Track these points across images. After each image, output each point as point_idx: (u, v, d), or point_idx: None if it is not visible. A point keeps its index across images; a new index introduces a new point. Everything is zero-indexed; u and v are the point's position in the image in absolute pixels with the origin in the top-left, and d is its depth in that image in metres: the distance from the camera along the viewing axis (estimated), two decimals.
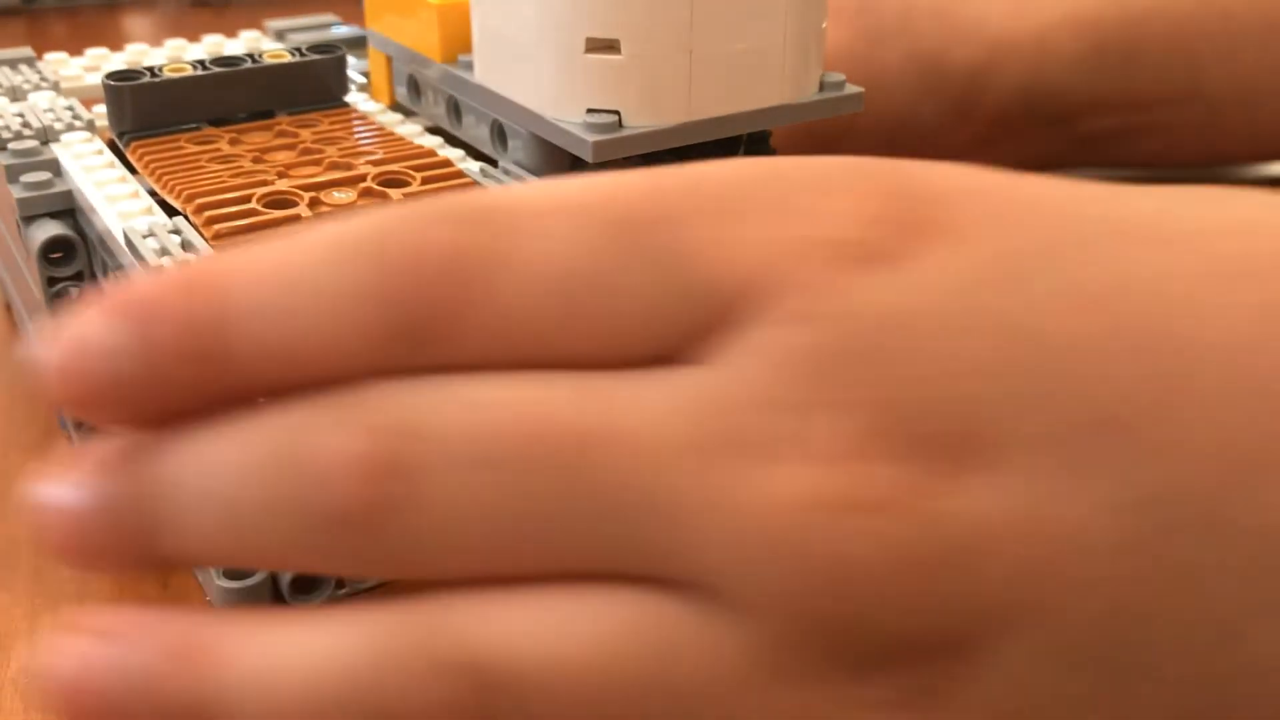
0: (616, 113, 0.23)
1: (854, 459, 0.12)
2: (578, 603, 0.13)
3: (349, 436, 0.13)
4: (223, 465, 0.14)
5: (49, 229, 0.27)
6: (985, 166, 0.15)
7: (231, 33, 0.39)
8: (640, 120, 0.24)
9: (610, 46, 0.23)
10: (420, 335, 0.14)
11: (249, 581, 0.23)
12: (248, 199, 0.24)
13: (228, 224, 0.23)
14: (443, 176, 0.25)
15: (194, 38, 0.38)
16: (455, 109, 0.28)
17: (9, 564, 0.26)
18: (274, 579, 0.24)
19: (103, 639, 0.14)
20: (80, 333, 0.14)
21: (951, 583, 0.12)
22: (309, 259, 0.14)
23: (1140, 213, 0.14)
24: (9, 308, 0.38)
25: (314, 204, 0.24)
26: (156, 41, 0.38)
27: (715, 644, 0.13)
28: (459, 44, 0.27)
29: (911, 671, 0.13)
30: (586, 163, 0.24)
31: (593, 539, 0.13)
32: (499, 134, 0.27)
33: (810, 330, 0.13)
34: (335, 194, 0.24)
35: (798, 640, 0.13)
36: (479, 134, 0.27)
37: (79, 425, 0.26)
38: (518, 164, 0.26)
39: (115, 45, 0.37)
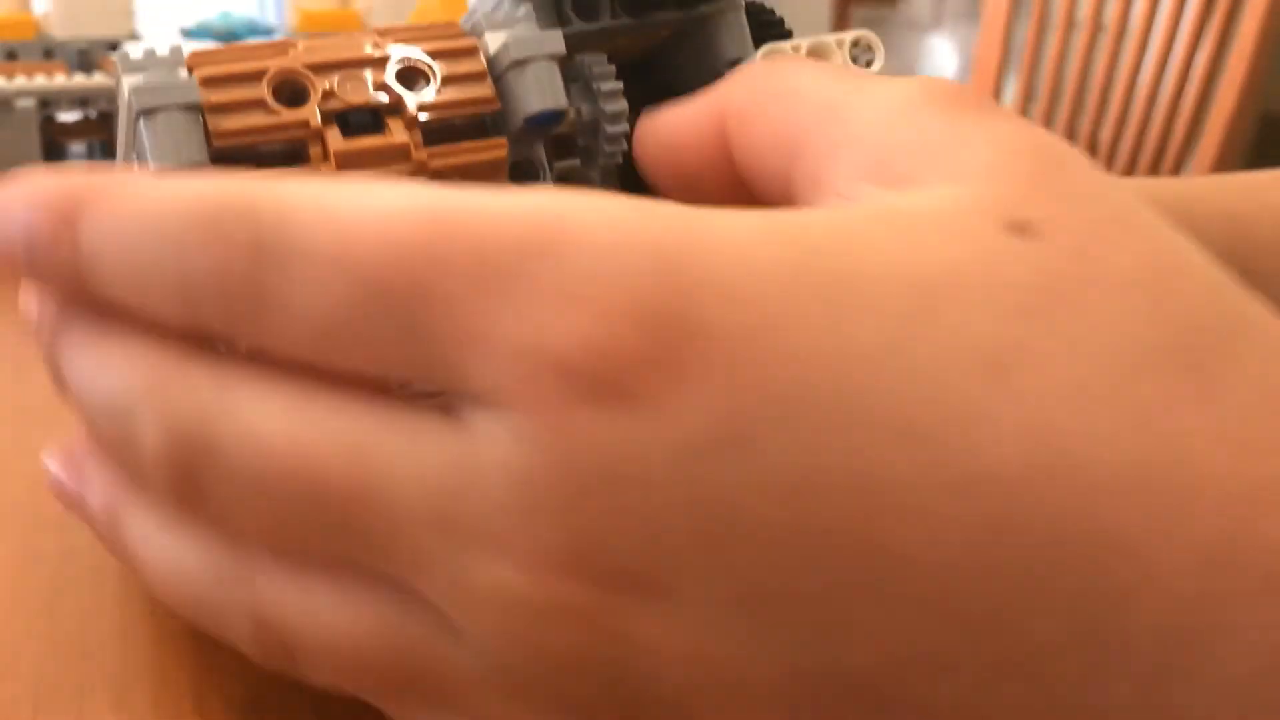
0: None
1: (558, 573, 0.14)
2: (347, 597, 0.16)
3: (155, 428, 0.16)
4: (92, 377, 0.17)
5: None
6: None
7: None
8: None
9: None
10: (220, 328, 0.16)
11: None
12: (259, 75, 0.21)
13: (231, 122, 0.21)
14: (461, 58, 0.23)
15: None
16: None
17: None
18: None
19: None
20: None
21: (625, 684, 0.14)
22: (163, 214, 0.15)
23: (888, 381, 0.13)
24: None
25: (327, 97, 0.22)
26: None
27: (452, 659, 0.15)
28: None
29: None
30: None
31: (353, 562, 0.16)
32: None
33: (537, 452, 0.14)
34: (347, 94, 0.22)
35: (512, 679, 0.15)
36: None
37: None
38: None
39: None
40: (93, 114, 0.70)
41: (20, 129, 0.67)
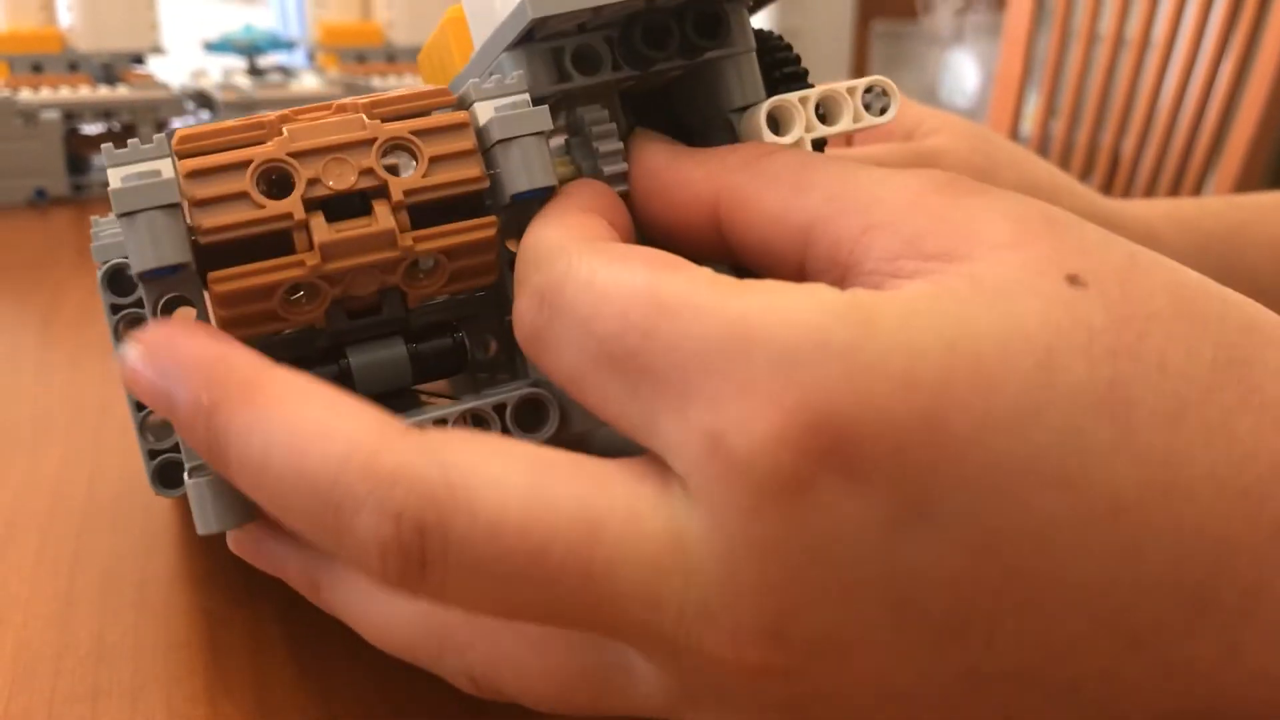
0: None
1: (761, 646, 0.16)
2: (552, 653, 0.19)
3: (378, 518, 0.17)
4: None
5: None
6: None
7: None
8: None
9: None
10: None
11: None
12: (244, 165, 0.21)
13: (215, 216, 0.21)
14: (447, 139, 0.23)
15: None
16: None
17: None
18: None
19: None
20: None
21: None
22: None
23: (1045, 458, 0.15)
24: None
25: (312, 184, 0.22)
26: None
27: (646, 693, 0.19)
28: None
29: None
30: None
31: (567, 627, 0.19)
32: None
33: (735, 539, 0.16)
34: (332, 180, 0.22)
35: (700, 708, 0.18)
36: None
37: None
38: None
39: None
40: (116, 126, 0.71)
41: (45, 140, 0.68)
